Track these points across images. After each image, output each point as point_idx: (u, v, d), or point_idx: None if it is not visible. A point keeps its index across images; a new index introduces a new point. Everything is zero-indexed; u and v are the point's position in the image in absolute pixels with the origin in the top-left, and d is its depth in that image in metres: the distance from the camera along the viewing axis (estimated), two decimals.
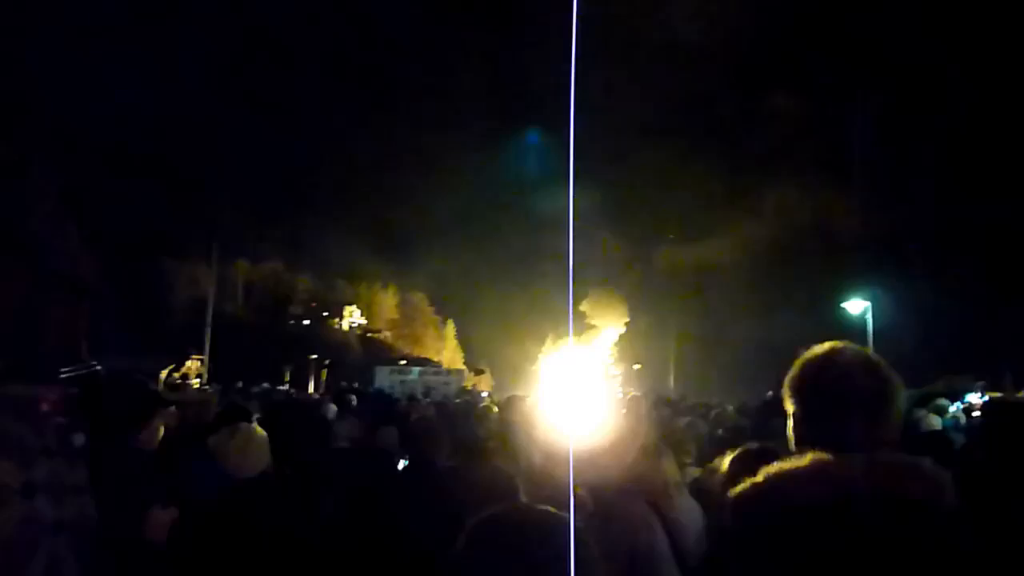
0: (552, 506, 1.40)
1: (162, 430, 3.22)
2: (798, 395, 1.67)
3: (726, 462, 2.55)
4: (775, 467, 1.53)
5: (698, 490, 4.71)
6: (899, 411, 1.61)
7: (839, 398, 1.59)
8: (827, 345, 1.67)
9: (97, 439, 2.93)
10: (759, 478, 1.53)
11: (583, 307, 68.45)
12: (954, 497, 1.41)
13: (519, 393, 8.60)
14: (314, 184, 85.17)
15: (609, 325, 70.22)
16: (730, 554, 1.59)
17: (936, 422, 6.33)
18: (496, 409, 8.00)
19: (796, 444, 1.64)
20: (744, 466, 2.79)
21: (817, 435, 1.56)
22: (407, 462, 4.36)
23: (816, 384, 1.64)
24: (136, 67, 63.84)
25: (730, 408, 13.93)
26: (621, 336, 70.69)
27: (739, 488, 1.58)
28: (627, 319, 69.97)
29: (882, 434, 1.54)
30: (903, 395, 1.64)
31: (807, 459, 1.52)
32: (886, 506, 1.40)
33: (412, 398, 12.46)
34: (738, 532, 1.56)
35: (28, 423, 0.80)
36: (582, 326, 69.08)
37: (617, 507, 3.68)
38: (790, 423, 1.68)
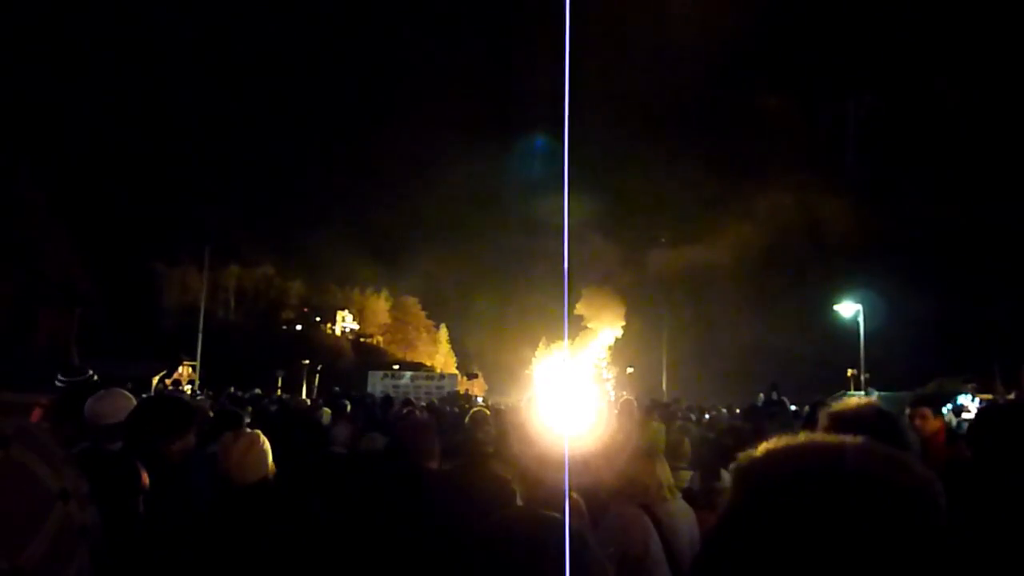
0: (547, 510, 1.41)
1: (192, 441, 3.32)
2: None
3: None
4: (772, 442, 1.59)
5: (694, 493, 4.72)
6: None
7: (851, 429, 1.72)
8: (854, 401, 1.84)
9: (135, 450, 3.03)
10: (756, 451, 1.59)
11: (579, 308, 68.43)
12: (942, 496, 1.46)
13: (515, 398, 8.60)
14: (306, 189, 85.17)
15: (605, 326, 70.04)
16: (729, 527, 1.63)
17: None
18: (490, 413, 7.99)
19: None
20: None
21: None
22: (400, 467, 4.35)
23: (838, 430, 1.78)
24: (129, 73, 63.63)
25: (724, 412, 13.97)
26: (615, 339, 70.54)
27: (736, 462, 1.64)
28: (623, 320, 69.68)
29: None
30: (916, 451, 1.84)
31: (801, 436, 1.57)
32: (867, 486, 1.44)
33: (407, 403, 12.46)
34: (734, 504, 1.60)
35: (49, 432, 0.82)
36: (577, 328, 69.05)
37: (610, 510, 3.69)
38: None
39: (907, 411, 6.41)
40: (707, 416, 12.40)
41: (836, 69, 66.62)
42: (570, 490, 4.07)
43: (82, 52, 60.75)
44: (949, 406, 13.19)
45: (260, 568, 2.95)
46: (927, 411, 5.11)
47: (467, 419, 5.51)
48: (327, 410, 8.44)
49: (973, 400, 20.04)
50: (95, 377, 4.30)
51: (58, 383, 4.12)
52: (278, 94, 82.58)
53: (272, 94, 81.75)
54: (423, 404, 14.06)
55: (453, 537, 1.37)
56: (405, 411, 9.57)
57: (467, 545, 1.29)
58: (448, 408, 14.91)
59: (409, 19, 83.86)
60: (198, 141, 70.89)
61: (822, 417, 1.93)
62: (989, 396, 20.58)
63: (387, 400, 13.45)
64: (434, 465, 4.05)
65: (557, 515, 1.32)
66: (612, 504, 3.74)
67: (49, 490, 0.74)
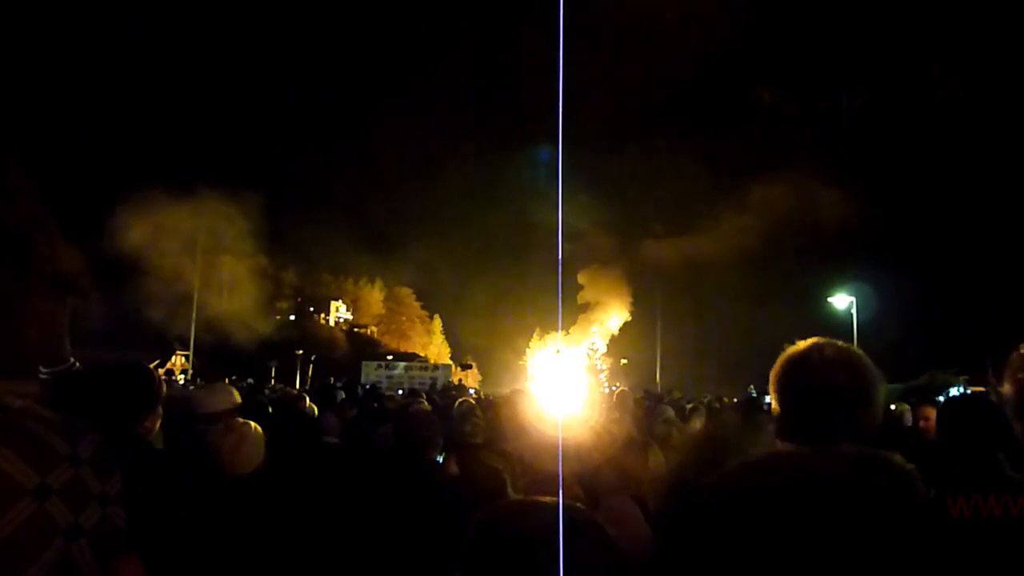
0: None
1: (160, 417, 3.16)
2: (779, 391, 1.73)
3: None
4: (742, 459, 1.58)
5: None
6: (879, 405, 1.66)
7: (817, 394, 1.63)
8: (809, 341, 1.71)
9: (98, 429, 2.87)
10: (726, 470, 1.58)
11: (583, 295, 68.18)
12: (923, 490, 1.45)
13: (508, 388, 8.59)
14: (300, 179, 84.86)
15: (612, 314, 69.34)
16: (695, 542, 1.62)
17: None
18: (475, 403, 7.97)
19: (778, 437, 1.68)
20: (694, 456, 2.84)
21: (796, 429, 1.61)
22: (397, 458, 4.34)
23: (795, 380, 1.68)
24: (120, 61, 63.29)
25: (716, 404, 13.99)
26: (619, 327, 69.99)
27: (708, 481, 1.62)
28: (628, 309, 68.89)
29: (860, 428, 1.57)
30: (883, 390, 1.68)
31: (772, 451, 1.56)
32: (849, 496, 1.43)
33: (413, 393, 12.48)
34: (703, 520, 1.59)
35: (62, 430, 0.80)
36: (575, 316, 68.95)
37: (603, 502, 3.68)
38: (774, 417, 1.72)
39: (901, 408, 6.38)
40: (690, 406, 12.36)
41: (831, 62, 66.66)
42: (568, 480, 4.07)
43: (73, 38, 60.32)
44: (941, 399, 13.22)
45: (255, 561, 2.93)
46: (931, 411, 4.95)
47: (455, 411, 5.50)
48: (310, 402, 8.44)
49: (965, 392, 20.10)
50: (77, 365, 4.20)
51: (41, 375, 4.02)
52: (272, 84, 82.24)
53: (266, 84, 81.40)
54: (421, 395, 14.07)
55: (452, 527, 1.35)
56: (406, 402, 9.56)
57: (466, 534, 1.27)
58: (441, 399, 14.92)
59: (400, 10, 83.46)
60: (192, 130, 70.56)
61: (776, 364, 1.76)
62: (981, 389, 20.65)
63: (375, 390, 13.45)
64: (436, 457, 4.07)
65: (555, 500, 1.30)
66: (604, 496, 3.73)
67: (17, 486, 0.73)
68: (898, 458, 1.48)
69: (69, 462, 0.83)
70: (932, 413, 4.90)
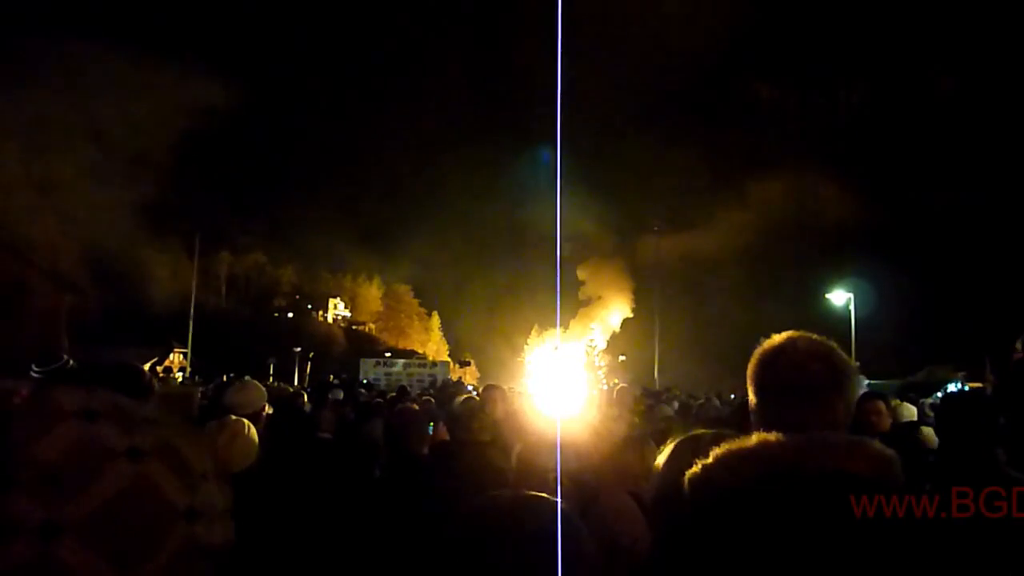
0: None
1: None
2: (754, 385, 1.75)
3: (664, 453, 2.54)
4: (723, 448, 1.59)
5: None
6: (853, 397, 1.69)
7: (790, 387, 1.66)
8: (783, 335, 1.74)
9: None
10: (709, 460, 1.59)
11: (584, 291, 68.16)
12: (900, 475, 1.48)
13: (498, 383, 8.55)
14: (298, 176, 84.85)
15: (613, 304, 69.16)
16: (682, 538, 1.63)
17: (911, 412, 6.50)
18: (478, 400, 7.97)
19: (755, 431, 1.71)
20: (682, 455, 2.82)
21: (772, 422, 1.63)
22: (389, 454, 4.35)
23: (771, 373, 1.71)
24: (117, 56, 63.17)
25: (715, 401, 14.01)
26: (621, 322, 69.81)
27: (690, 472, 1.64)
28: (631, 304, 68.64)
29: (834, 419, 1.61)
30: (856, 382, 1.71)
31: (753, 440, 1.57)
32: (829, 482, 1.45)
33: (403, 391, 12.46)
34: (689, 514, 1.60)
35: (198, 443, 0.78)
36: (574, 312, 68.85)
37: (600, 498, 3.69)
38: (751, 412, 1.75)
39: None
40: (695, 403, 12.38)
41: (829, 58, 66.64)
42: (561, 476, 4.08)
43: (69, 34, 60.21)
44: (937, 395, 13.22)
45: (244, 557, 2.93)
46: (880, 405, 4.79)
47: (454, 407, 5.47)
48: (306, 399, 8.48)
49: (963, 389, 20.11)
50: (71, 363, 4.17)
51: (33, 373, 3.99)
52: (269, 81, 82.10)
53: (263, 81, 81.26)
54: (418, 392, 14.06)
55: (437, 522, 1.35)
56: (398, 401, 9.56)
57: (458, 523, 1.27)
58: (441, 396, 14.91)
59: (398, 8, 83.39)
60: (190, 128, 70.51)
61: (752, 359, 1.79)
62: (979, 384, 20.66)
63: (370, 388, 13.46)
64: (424, 452, 4.09)
65: (548, 496, 1.30)
66: (602, 492, 3.73)
67: (175, 509, 0.71)
68: (877, 443, 1.51)
69: (203, 478, 0.81)
70: (882, 408, 4.81)
